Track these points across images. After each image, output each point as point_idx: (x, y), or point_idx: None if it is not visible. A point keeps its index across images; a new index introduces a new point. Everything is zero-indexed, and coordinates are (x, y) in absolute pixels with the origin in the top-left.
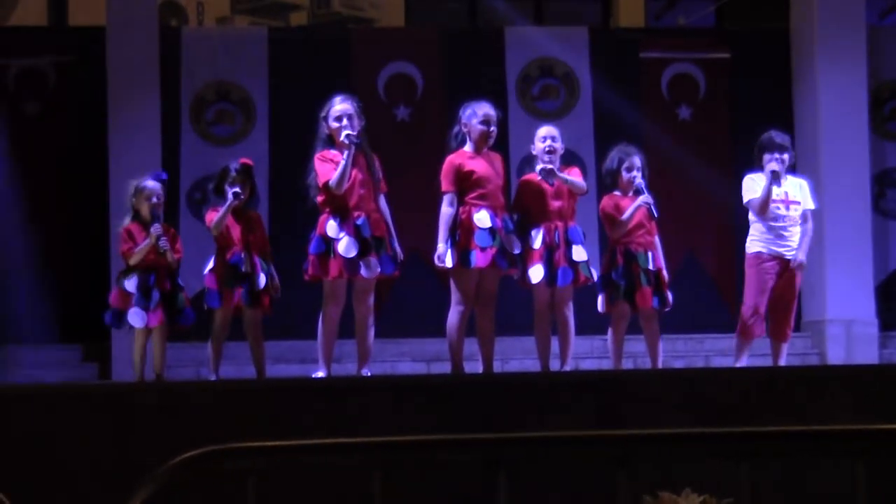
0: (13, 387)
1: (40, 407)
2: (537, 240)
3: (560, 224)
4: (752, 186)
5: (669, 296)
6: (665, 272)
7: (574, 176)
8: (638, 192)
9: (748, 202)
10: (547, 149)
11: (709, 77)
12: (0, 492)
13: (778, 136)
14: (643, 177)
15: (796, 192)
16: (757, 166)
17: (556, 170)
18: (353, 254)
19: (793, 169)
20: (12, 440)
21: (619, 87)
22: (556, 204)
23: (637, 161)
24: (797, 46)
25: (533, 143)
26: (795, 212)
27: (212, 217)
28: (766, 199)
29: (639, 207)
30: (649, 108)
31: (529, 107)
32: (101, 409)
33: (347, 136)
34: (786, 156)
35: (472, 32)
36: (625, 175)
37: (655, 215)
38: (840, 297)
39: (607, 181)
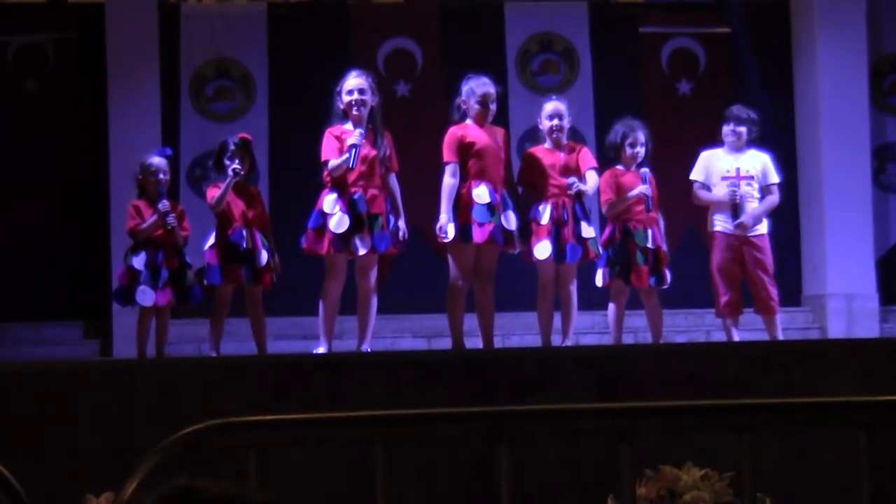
0: (14, 364)
1: (41, 384)
2: (545, 215)
3: (568, 200)
4: (700, 167)
5: (668, 274)
6: (665, 248)
7: (587, 161)
8: (642, 179)
9: (692, 180)
10: (554, 127)
11: (709, 51)
12: (1, 468)
13: (738, 109)
14: (647, 152)
15: (750, 166)
16: (719, 140)
17: (586, 191)
18: (342, 229)
19: (755, 142)
20: (14, 418)
21: (619, 61)
22: (564, 181)
23: (641, 136)
24: (797, 21)
25: (539, 117)
26: (749, 186)
27: (213, 194)
28: (701, 201)
29: (638, 194)
30: (649, 82)
31: (529, 82)
32: (102, 386)
33: (352, 146)
34: (742, 128)
35: (471, 7)
36: (628, 150)
37: (649, 209)
38: (841, 271)
39: (610, 155)
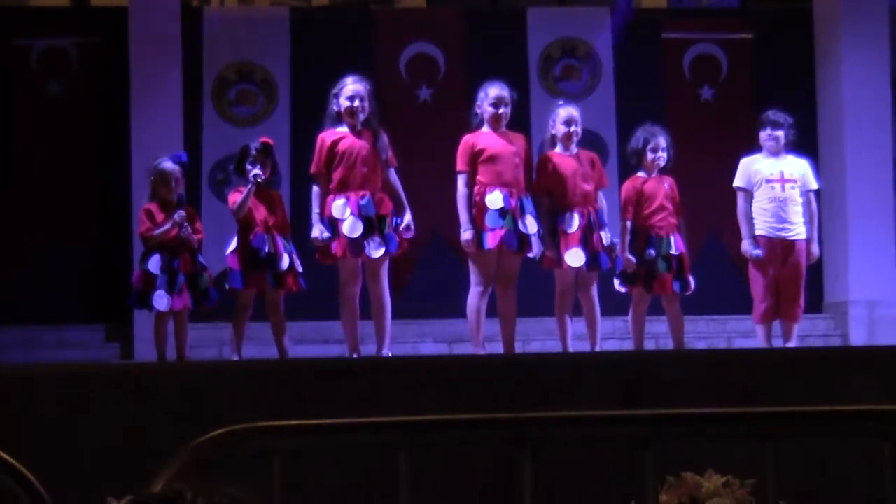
0: (36, 366)
1: (63, 387)
2: (573, 223)
3: (591, 208)
4: (742, 173)
5: (691, 280)
6: (686, 255)
7: (603, 181)
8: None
9: (736, 187)
10: (571, 133)
11: (731, 58)
12: (24, 471)
13: (774, 114)
14: (668, 157)
15: (793, 170)
16: (756, 146)
17: (618, 254)
18: (356, 234)
19: (793, 147)
20: (35, 420)
21: (642, 67)
22: (587, 187)
23: (662, 141)
24: (820, 27)
25: (553, 122)
26: (793, 190)
27: (234, 199)
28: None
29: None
30: (671, 88)
31: (551, 87)
32: (123, 390)
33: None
34: (779, 132)
35: (494, 13)
36: (650, 155)
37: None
38: (863, 278)
39: (632, 161)
